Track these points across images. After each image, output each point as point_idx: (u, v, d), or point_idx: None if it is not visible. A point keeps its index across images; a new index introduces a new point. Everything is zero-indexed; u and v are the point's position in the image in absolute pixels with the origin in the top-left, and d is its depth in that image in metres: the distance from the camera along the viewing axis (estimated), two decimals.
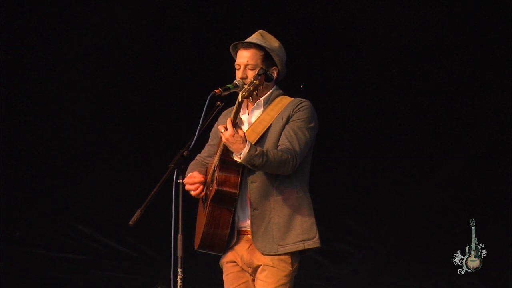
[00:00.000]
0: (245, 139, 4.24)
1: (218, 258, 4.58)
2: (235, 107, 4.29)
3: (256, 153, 4.25)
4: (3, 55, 7.21)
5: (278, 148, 4.38)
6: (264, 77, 4.30)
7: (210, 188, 4.45)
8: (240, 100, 4.26)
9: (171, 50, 7.32)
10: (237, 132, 4.23)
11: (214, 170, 4.43)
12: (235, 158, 4.29)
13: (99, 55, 7.25)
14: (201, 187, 4.50)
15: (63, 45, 7.24)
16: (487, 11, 6.90)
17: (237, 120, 4.34)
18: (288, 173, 4.38)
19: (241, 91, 4.26)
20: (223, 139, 4.25)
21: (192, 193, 4.51)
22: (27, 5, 7.21)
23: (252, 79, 4.27)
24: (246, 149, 4.24)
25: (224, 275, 4.56)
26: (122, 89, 7.31)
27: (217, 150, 4.47)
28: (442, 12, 6.98)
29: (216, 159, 4.41)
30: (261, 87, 4.31)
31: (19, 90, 7.32)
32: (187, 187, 4.46)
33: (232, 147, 4.26)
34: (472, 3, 6.91)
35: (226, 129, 4.24)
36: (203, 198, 4.57)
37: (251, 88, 4.24)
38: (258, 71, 4.31)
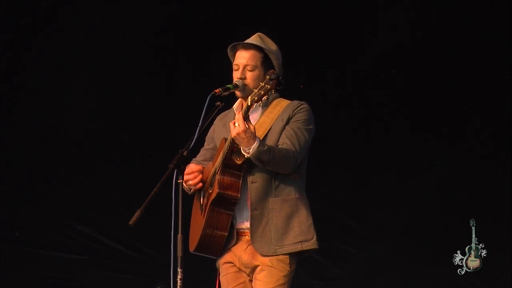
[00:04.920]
0: (255, 135, 4.25)
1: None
2: (243, 110, 4.26)
3: (265, 148, 4.26)
4: (3, 55, 7.21)
5: (279, 147, 4.39)
6: (276, 82, 4.27)
7: (210, 191, 4.45)
8: (249, 104, 4.23)
9: (171, 50, 7.32)
10: (249, 128, 4.23)
11: (214, 173, 4.43)
12: (243, 153, 4.29)
13: (99, 55, 7.25)
14: (200, 176, 4.51)
15: (63, 45, 7.23)
16: (488, 11, 6.90)
17: None
18: (289, 171, 4.40)
19: (251, 95, 4.23)
20: (233, 134, 4.23)
21: (191, 182, 4.50)
22: (27, 5, 7.21)
23: (263, 84, 4.22)
24: (256, 145, 4.24)
25: (221, 276, 4.56)
26: (122, 89, 7.31)
27: (218, 153, 4.46)
28: (442, 11, 6.98)
29: (218, 162, 4.40)
30: (273, 92, 4.29)
31: (19, 90, 7.32)
32: (185, 177, 4.45)
33: (242, 142, 4.25)
34: (473, 2, 6.92)
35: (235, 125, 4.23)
36: (200, 199, 4.56)
37: (262, 92, 4.21)
38: (270, 76, 4.24)
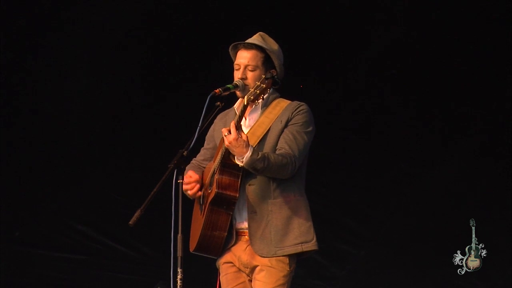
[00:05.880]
0: (248, 143, 4.23)
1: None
2: (239, 110, 4.27)
3: (258, 157, 4.25)
4: (3, 55, 7.21)
5: (277, 152, 4.38)
6: (271, 81, 4.27)
7: (209, 191, 4.45)
8: (245, 103, 4.23)
9: (171, 50, 7.32)
10: (241, 136, 4.22)
11: (213, 173, 4.42)
12: (237, 162, 4.28)
13: (99, 55, 7.24)
14: (198, 186, 4.50)
15: (63, 45, 7.23)
16: (487, 10, 6.90)
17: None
18: (287, 177, 4.38)
19: (247, 94, 4.23)
20: (226, 143, 4.24)
21: (189, 192, 4.50)
22: (27, 5, 7.21)
23: (259, 83, 4.22)
24: (248, 154, 4.23)
25: (221, 275, 4.56)
26: (122, 89, 7.31)
27: (217, 153, 4.46)
28: (442, 11, 6.98)
29: (217, 162, 4.40)
30: (268, 91, 4.29)
31: (19, 90, 7.32)
32: (184, 187, 4.45)
33: (234, 151, 4.25)
34: (473, 2, 6.92)
35: (229, 132, 4.23)
36: (200, 200, 4.56)
37: (258, 92, 4.21)
38: (266, 75, 4.25)
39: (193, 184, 4.50)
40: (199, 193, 4.51)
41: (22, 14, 7.20)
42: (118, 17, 7.18)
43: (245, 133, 4.35)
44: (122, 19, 7.19)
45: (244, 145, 4.22)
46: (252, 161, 4.23)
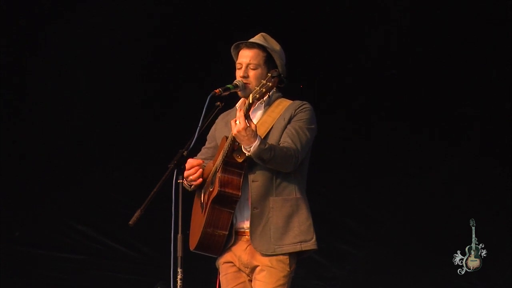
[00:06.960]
0: (256, 133, 4.24)
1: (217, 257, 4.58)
2: (245, 108, 4.26)
3: (266, 147, 4.26)
4: (3, 55, 7.21)
5: (280, 145, 4.39)
6: (277, 80, 4.27)
7: (211, 189, 4.45)
8: (250, 102, 4.23)
9: (171, 50, 7.32)
10: (249, 126, 4.22)
11: (215, 171, 4.43)
12: (244, 151, 4.29)
13: (99, 55, 7.24)
14: (200, 170, 4.51)
15: (63, 45, 7.23)
16: (487, 10, 6.90)
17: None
18: (290, 170, 4.40)
19: (253, 92, 4.23)
20: (234, 132, 4.24)
21: (191, 177, 4.50)
22: (27, 5, 7.21)
23: (265, 81, 4.22)
24: (256, 143, 4.24)
25: (221, 275, 4.57)
26: (122, 89, 7.31)
27: (219, 152, 4.46)
28: (442, 11, 6.98)
29: (219, 160, 4.40)
30: (274, 89, 4.30)
31: (19, 90, 7.32)
32: (186, 173, 4.44)
33: (242, 140, 4.25)
34: (473, 2, 6.92)
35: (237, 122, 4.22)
36: (200, 199, 4.56)
37: (264, 90, 4.20)
38: (271, 73, 4.24)
39: (196, 168, 4.50)
40: (200, 180, 4.50)
41: (22, 14, 7.20)
42: (118, 17, 7.19)
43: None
44: (122, 19, 7.19)
45: (252, 135, 4.23)
46: (259, 151, 4.24)
